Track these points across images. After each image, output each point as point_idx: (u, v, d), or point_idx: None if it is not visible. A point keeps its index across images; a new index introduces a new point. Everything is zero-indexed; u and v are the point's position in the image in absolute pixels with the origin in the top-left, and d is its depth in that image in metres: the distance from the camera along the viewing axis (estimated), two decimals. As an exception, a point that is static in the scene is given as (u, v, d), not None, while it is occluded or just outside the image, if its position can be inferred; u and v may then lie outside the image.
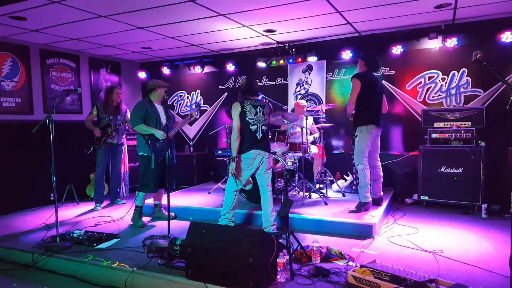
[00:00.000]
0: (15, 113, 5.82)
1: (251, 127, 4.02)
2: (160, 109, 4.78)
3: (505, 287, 2.75)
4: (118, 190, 6.16)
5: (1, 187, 5.54)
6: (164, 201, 5.19)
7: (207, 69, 7.53)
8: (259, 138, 4.05)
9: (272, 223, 4.06)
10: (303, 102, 6.12)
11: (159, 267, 3.22)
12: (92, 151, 5.57)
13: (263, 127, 4.10)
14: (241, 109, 4.02)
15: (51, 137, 3.86)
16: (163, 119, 4.73)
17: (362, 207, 4.52)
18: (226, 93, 7.47)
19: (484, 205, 4.79)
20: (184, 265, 3.04)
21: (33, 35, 5.58)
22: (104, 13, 4.68)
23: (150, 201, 5.12)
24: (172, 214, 4.91)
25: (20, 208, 5.72)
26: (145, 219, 4.95)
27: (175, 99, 7.96)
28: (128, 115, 5.47)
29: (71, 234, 4.14)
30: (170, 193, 4.13)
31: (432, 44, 5.74)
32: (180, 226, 4.50)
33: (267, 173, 4.15)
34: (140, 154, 4.67)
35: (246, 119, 4.02)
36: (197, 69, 7.42)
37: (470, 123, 5.15)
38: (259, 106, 4.11)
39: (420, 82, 5.91)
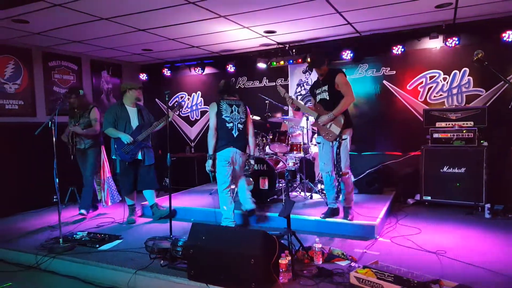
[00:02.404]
0: (18, 115, 5.84)
1: (227, 125, 4.26)
2: (132, 112, 4.81)
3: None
4: (99, 198, 5.49)
5: (4, 189, 5.56)
6: (161, 202, 5.24)
7: (207, 70, 7.54)
8: (235, 135, 4.27)
9: (251, 201, 4.46)
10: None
11: (161, 268, 3.22)
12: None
13: (239, 125, 4.31)
14: (217, 108, 4.27)
15: (54, 139, 3.88)
16: (134, 122, 4.77)
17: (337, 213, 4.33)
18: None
19: (487, 205, 4.76)
20: (186, 266, 3.05)
21: (35, 38, 5.61)
22: (105, 16, 4.69)
23: (146, 203, 5.18)
24: (164, 207, 5.00)
25: (23, 210, 5.73)
26: (146, 219, 5.03)
27: (176, 101, 7.97)
28: (93, 116, 5.05)
29: (74, 236, 4.15)
30: (172, 194, 4.15)
31: (433, 44, 5.73)
32: (182, 227, 4.50)
33: (241, 168, 4.45)
34: (112, 158, 4.88)
35: (222, 117, 4.25)
36: (198, 71, 7.43)
37: (472, 123, 5.14)
38: (234, 105, 4.34)
39: (421, 82, 5.90)
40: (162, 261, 3.34)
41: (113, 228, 4.68)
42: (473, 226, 4.37)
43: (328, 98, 4.13)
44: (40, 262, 3.65)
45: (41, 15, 4.55)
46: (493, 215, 4.74)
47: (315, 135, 5.95)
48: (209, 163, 4.29)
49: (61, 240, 3.88)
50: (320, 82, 4.22)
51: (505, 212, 4.79)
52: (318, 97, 4.22)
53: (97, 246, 3.88)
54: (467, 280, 2.88)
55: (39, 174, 5.84)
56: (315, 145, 5.86)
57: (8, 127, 5.69)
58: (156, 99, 8.12)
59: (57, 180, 3.87)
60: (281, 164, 5.40)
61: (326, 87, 4.13)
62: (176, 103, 7.83)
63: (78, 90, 5.08)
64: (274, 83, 7.06)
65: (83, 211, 5.20)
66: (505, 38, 5.12)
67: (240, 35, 5.81)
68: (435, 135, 5.31)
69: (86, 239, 4.05)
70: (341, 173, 4.05)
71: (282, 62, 6.61)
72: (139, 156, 4.75)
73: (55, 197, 3.92)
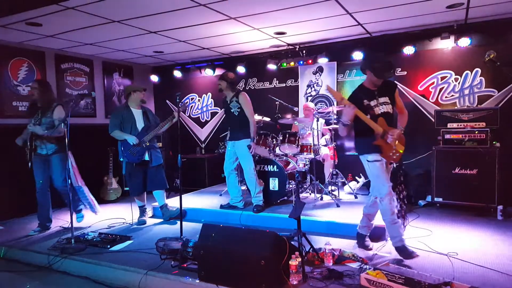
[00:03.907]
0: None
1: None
2: (138, 114, 4.84)
3: (522, 290, 2.71)
4: (80, 207, 4.99)
5: (19, 190, 5.64)
6: (172, 203, 5.27)
7: (218, 72, 7.56)
8: None
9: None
10: (311, 104, 6.13)
11: (172, 269, 3.25)
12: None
13: None
14: None
15: (66, 140, 3.93)
16: (140, 124, 4.80)
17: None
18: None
19: (500, 207, 4.70)
20: (197, 267, 3.07)
21: (48, 41, 5.70)
22: (117, 18, 4.75)
23: (156, 204, 5.22)
24: (174, 208, 5.03)
25: (35, 211, 5.80)
26: (156, 220, 5.09)
27: (187, 102, 8.02)
28: (57, 115, 4.51)
29: (86, 236, 4.20)
30: (182, 195, 4.17)
31: (445, 44, 5.67)
32: (192, 228, 4.53)
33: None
34: (120, 160, 4.89)
35: None
36: (208, 72, 7.46)
37: (484, 124, 5.07)
38: None
39: (433, 83, 5.84)
40: (172, 262, 3.36)
41: (124, 229, 4.73)
42: (485, 228, 4.31)
43: (392, 112, 3.57)
44: (52, 263, 3.71)
45: (54, 18, 4.62)
46: (506, 217, 4.68)
47: (326, 137, 5.96)
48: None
49: (73, 240, 3.93)
50: (373, 92, 3.52)
51: (518, 214, 4.73)
52: (378, 110, 3.46)
53: (109, 246, 3.92)
54: (479, 283, 2.86)
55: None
56: (325, 146, 5.88)
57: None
58: (167, 101, 8.18)
59: (69, 181, 3.93)
60: (291, 165, 5.40)
61: (386, 99, 3.53)
62: (181, 103, 7.87)
63: (40, 81, 4.75)
64: (284, 84, 7.07)
65: (79, 218, 4.91)
66: (518, 38, 5.06)
67: (250, 36, 5.82)
68: (447, 136, 5.26)
69: (97, 240, 4.10)
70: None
71: (292, 63, 6.60)
72: (146, 157, 4.78)
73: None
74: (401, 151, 3.50)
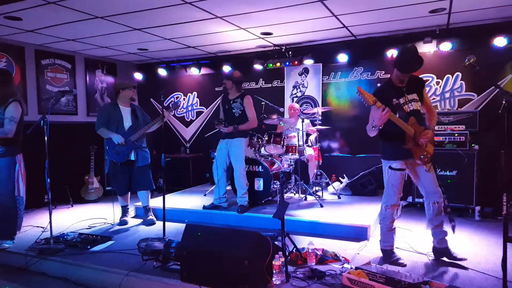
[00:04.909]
0: (10, 114, 5.78)
1: None
2: (126, 112, 4.74)
3: (498, 289, 2.77)
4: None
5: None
6: (155, 203, 5.20)
7: (203, 71, 7.53)
8: None
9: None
10: (296, 105, 6.19)
11: (154, 270, 3.21)
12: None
13: None
14: None
15: (46, 138, 3.83)
16: (127, 123, 4.71)
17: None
18: (223, 95, 7.46)
19: (478, 208, 4.82)
20: (179, 267, 3.04)
21: (28, 36, 5.56)
22: (100, 14, 4.67)
23: (139, 204, 5.13)
24: (154, 220, 4.91)
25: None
26: (138, 221, 5.00)
27: (171, 101, 7.95)
28: (9, 113, 3.90)
29: (65, 237, 4.11)
30: (166, 195, 4.13)
31: (427, 48, 5.78)
32: (175, 228, 4.49)
33: None
34: (105, 158, 4.82)
35: None
36: (194, 71, 7.42)
37: (464, 127, 5.19)
38: None
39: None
40: (155, 263, 3.32)
41: (105, 229, 4.65)
42: (463, 228, 4.41)
43: (421, 110, 3.33)
44: (30, 264, 3.61)
45: (34, 12, 4.51)
46: (483, 217, 4.81)
47: (311, 138, 5.99)
48: None
49: (51, 241, 3.84)
50: (401, 89, 3.28)
51: (495, 214, 4.87)
52: (407, 108, 3.24)
53: (89, 247, 3.85)
54: (457, 281, 2.93)
55: (30, 174, 5.76)
56: (310, 146, 5.91)
57: None
58: (151, 99, 8.09)
59: (48, 180, 3.83)
60: (276, 165, 5.41)
61: (415, 96, 3.29)
62: (172, 102, 7.81)
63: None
64: (270, 85, 7.08)
65: (5, 244, 3.95)
66: (496, 44, 5.20)
67: (236, 36, 5.81)
68: (428, 139, 5.34)
69: (77, 240, 4.01)
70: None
71: (278, 64, 6.62)
72: (132, 157, 4.70)
73: (46, 197, 3.86)
74: (431, 152, 3.27)
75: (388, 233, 3.42)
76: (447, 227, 3.39)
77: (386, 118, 3.05)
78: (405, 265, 3.24)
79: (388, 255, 3.38)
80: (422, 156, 3.20)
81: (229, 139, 4.85)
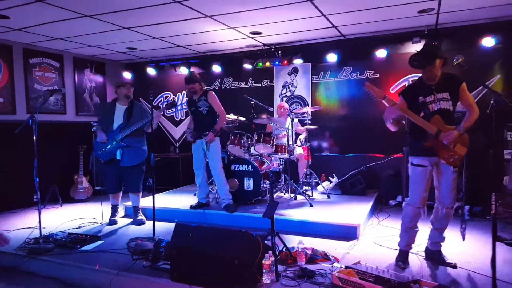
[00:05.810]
0: (-3, 113, 5.70)
1: None
2: (120, 110, 4.72)
3: (487, 287, 2.81)
4: None
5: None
6: (145, 203, 5.17)
7: (193, 70, 7.50)
8: None
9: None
10: (285, 104, 6.21)
11: (144, 269, 3.19)
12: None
13: None
14: None
15: (34, 137, 3.79)
16: (117, 121, 4.68)
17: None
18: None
19: (467, 207, 4.88)
20: (169, 267, 3.03)
21: (16, 34, 5.48)
22: (89, 13, 4.62)
23: (129, 203, 5.08)
24: (144, 220, 4.88)
25: (2, 210, 5.60)
26: (128, 220, 4.96)
27: (161, 100, 7.91)
28: None
29: (54, 236, 4.06)
30: (156, 194, 4.11)
31: (416, 48, 5.78)
32: (165, 228, 4.47)
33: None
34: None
35: None
36: (183, 70, 7.38)
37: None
38: None
39: (404, 85, 6.00)
40: (144, 262, 3.31)
41: (95, 229, 4.61)
42: (452, 227, 4.41)
43: (452, 109, 3.20)
44: (20, 263, 3.57)
45: (22, 11, 4.45)
46: (472, 217, 4.86)
47: (301, 137, 6.00)
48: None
49: (41, 240, 3.81)
50: (430, 87, 3.17)
51: (483, 213, 4.92)
52: (433, 107, 3.15)
53: (78, 246, 3.81)
54: (446, 280, 2.96)
55: (18, 173, 5.70)
56: (300, 146, 5.93)
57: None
58: (141, 98, 8.00)
59: (37, 179, 3.79)
60: (266, 165, 5.41)
61: (446, 95, 3.16)
62: (167, 99, 7.76)
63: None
64: (260, 84, 7.08)
65: None
66: (484, 44, 5.27)
67: (226, 35, 5.80)
68: (417, 138, 5.39)
69: (67, 240, 3.97)
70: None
71: (268, 64, 6.64)
72: (118, 156, 4.66)
73: (35, 196, 3.84)
74: (462, 153, 3.11)
75: (403, 232, 3.36)
76: (453, 232, 3.33)
77: (397, 113, 3.09)
78: (404, 269, 3.19)
79: (403, 256, 3.33)
80: (447, 156, 3.09)
81: (204, 138, 4.80)
